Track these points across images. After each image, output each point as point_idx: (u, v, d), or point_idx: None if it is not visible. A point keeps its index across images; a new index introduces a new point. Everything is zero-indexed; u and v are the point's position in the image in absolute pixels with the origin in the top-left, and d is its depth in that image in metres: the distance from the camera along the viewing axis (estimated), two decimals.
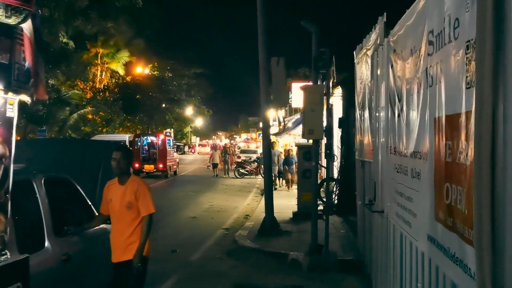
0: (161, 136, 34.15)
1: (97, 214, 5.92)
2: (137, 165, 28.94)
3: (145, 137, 35.51)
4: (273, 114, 71.55)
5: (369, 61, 7.61)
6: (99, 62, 59.52)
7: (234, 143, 67.52)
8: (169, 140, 34.54)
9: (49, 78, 38.65)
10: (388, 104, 5.79)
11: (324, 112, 10.07)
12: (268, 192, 12.89)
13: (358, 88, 9.37)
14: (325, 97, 9.85)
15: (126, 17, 59.87)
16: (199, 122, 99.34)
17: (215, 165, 32.62)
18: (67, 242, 5.28)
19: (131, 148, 19.82)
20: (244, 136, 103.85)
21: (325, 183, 16.11)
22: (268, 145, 13.22)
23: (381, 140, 6.41)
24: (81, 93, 49.63)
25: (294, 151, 21.37)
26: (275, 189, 20.19)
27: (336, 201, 15.72)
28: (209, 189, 24.51)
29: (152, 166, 30.76)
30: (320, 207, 13.33)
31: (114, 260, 5.51)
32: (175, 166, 33.70)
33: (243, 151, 44.00)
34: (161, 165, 30.77)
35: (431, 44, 3.86)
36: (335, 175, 16.47)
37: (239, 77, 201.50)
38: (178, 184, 27.39)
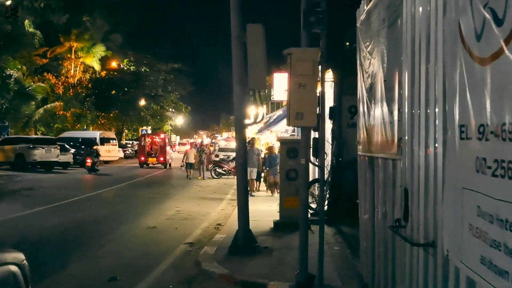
0: (162, 136, 43.01)
1: None
2: (142, 159, 39.17)
3: (149, 137, 42.60)
4: (254, 111, 69.12)
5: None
6: (73, 56, 56.90)
7: (215, 142, 64.54)
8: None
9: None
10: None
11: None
12: (243, 199, 10.05)
13: (364, 54, 6.70)
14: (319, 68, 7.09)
15: (102, 11, 57.68)
16: (179, 121, 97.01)
17: (189, 165, 28.81)
18: None
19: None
20: (225, 134, 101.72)
21: (313, 185, 13.48)
22: (242, 139, 10.43)
23: (434, 113, 3.69)
24: (45, 86, 46.49)
25: (277, 149, 18.71)
26: (252, 195, 17.43)
27: (325, 208, 13.01)
28: (180, 190, 21.72)
29: (154, 159, 39.13)
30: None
31: None
32: (170, 160, 41.41)
33: (221, 149, 41.11)
34: (161, 159, 39.05)
35: None
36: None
37: (220, 75, 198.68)
38: (146, 185, 24.51)
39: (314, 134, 7.48)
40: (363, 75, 7.11)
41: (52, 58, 54.71)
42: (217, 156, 36.40)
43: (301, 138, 7.52)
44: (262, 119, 35.31)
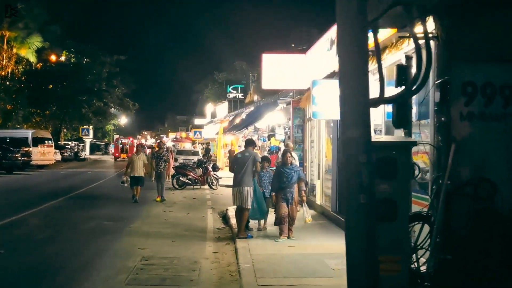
0: (131, 139, 64.10)
1: None
2: (117, 154, 55.61)
3: (121, 140, 60.69)
4: (211, 109, 63.29)
5: None
6: (5, 46, 49.67)
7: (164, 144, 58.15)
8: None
9: None
10: None
11: None
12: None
13: None
14: None
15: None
16: (123, 120, 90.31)
17: (136, 181, 17.50)
18: None
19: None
20: (172, 135, 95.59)
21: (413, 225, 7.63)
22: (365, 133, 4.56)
23: None
24: None
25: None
26: (248, 236, 11.17)
27: (429, 267, 7.17)
28: (139, 211, 15.43)
29: (125, 155, 52.77)
30: None
31: None
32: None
33: (179, 152, 34.78)
34: (130, 154, 41.91)
35: None
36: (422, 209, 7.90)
37: (166, 73, 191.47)
38: (89, 201, 17.93)
39: None
40: None
41: None
42: (175, 160, 30.11)
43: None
44: (238, 127, 29.25)
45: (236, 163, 11.54)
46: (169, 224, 13.31)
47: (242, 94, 52.17)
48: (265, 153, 28.94)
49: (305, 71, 17.25)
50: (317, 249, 9.83)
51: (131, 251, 9.89)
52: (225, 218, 14.91)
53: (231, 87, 53.35)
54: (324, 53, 14.54)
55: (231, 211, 15.16)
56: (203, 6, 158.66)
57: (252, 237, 10.99)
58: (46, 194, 19.71)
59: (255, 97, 45.31)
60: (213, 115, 55.70)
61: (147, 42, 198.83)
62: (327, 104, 11.21)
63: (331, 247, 9.80)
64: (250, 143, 12.00)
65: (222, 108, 51.24)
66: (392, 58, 8.98)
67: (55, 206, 16.34)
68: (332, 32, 13.75)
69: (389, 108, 9.60)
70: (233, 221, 13.31)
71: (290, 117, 24.27)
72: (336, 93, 5.01)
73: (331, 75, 13.01)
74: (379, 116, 10.61)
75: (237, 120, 33.81)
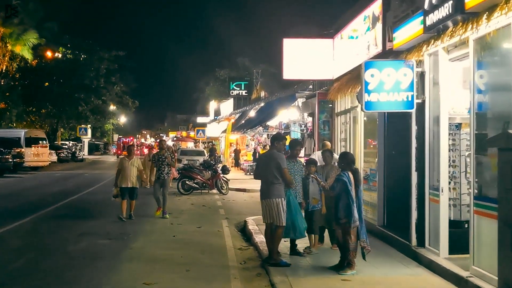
0: (131, 138, 79.97)
1: None
2: (119, 152, 57.44)
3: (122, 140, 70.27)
4: (214, 106, 60.67)
5: None
6: None
7: (165, 142, 55.92)
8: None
9: None
10: None
11: None
12: None
13: None
14: None
15: None
16: (122, 119, 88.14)
17: (130, 194, 13.81)
18: None
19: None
20: (172, 134, 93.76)
21: None
22: None
23: None
24: None
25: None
26: (284, 261, 8.65)
27: None
28: (140, 227, 12.86)
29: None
30: None
31: None
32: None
33: (183, 152, 32.18)
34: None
35: None
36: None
37: (166, 72, 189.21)
38: (79, 213, 15.35)
39: None
40: None
41: None
42: (178, 161, 27.56)
43: None
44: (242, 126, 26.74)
45: (261, 167, 9.10)
46: (179, 243, 10.81)
47: (246, 91, 49.89)
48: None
49: (333, 58, 14.83)
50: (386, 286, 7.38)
51: (133, 287, 7.41)
52: (244, 232, 12.47)
53: (234, 83, 51.03)
54: (362, 34, 12.12)
55: (251, 224, 12.72)
56: (204, 3, 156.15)
57: (290, 265, 8.49)
58: (33, 202, 17.25)
59: (262, 93, 42.87)
60: (217, 113, 53.24)
61: (147, 42, 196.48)
62: (385, 92, 8.74)
63: (404, 283, 7.41)
64: (276, 138, 9.19)
65: (226, 106, 48.78)
66: None
67: (41, 219, 13.82)
68: (375, 8, 11.32)
69: (480, 97, 7.16)
70: (257, 238, 10.86)
71: (305, 113, 21.90)
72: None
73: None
74: (462, 105, 8.19)
75: (245, 118, 31.29)
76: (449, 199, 8.43)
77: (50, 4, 49.68)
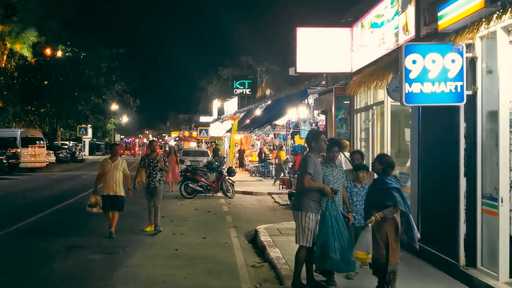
0: (133, 139, 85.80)
1: None
2: (121, 151, 61.03)
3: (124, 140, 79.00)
4: (218, 105, 59.16)
5: None
6: None
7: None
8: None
9: None
10: None
11: None
12: None
13: None
14: None
15: None
16: (124, 119, 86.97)
17: (113, 203, 11.22)
18: None
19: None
20: (174, 134, 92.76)
21: None
22: None
23: None
24: None
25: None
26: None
27: None
28: (138, 239, 11.41)
29: (128, 151, 72.44)
30: None
31: None
32: (139, 152, 73.26)
33: (186, 153, 30.65)
34: (132, 151, 75.76)
35: None
36: None
37: (168, 70, 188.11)
38: (71, 223, 13.92)
39: None
40: None
41: None
42: (181, 162, 26.09)
43: None
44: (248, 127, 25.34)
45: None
46: (183, 258, 9.36)
47: (250, 89, 48.59)
48: (289, 154, 25.15)
49: (351, 49, 13.40)
50: None
51: None
52: (255, 243, 11.04)
53: (238, 82, 49.72)
54: (389, 19, 10.70)
55: (263, 234, 11.27)
56: (207, 2, 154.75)
57: None
58: (23, 207, 15.86)
59: (268, 91, 41.46)
60: (220, 112, 51.81)
61: (149, 42, 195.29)
62: (429, 82, 7.25)
63: None
64: (313, 137, 7.41)
65: (231, 104, 47.34)
66: None
67: (28, 228, 12.37)
68: None
69: None
70: (272, 253, 9.42)
71: (315, 111, 20.48)
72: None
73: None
74: None
75: (251, 117, 29.79)
76: (510, 210, 6.96)
77: (50, 2, 48.54)
